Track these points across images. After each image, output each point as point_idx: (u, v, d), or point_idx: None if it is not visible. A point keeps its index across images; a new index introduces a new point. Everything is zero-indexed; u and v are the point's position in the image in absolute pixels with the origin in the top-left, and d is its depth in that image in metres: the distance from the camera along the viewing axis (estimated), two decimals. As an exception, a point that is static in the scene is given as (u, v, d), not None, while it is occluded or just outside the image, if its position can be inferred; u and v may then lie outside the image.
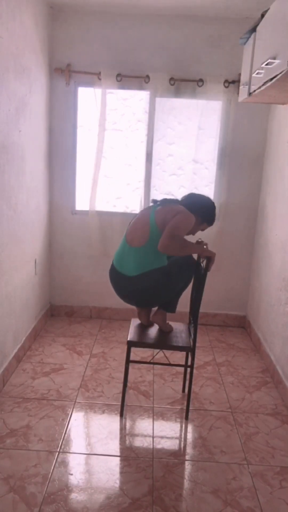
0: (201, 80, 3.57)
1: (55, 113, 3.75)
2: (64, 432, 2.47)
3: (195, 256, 2.84)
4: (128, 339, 2.60)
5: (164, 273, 2.51)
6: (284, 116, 3.29)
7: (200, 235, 3.44)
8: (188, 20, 3.56)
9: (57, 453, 2.29)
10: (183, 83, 3.62)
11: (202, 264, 2.65)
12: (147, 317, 2.78)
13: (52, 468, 2.19)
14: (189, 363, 2.68)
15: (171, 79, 3.57)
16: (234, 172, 3.82)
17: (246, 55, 2.84)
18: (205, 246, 2.69)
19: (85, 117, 3.77)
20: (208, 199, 2.73)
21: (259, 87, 2.43)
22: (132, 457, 2.30)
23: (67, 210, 3.95)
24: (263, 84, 2.35)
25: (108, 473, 2.18)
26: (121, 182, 3.85)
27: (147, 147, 3.77)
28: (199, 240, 2.75)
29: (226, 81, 3.56)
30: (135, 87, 3.64)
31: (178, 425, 2.63)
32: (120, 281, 2.61)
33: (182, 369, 3.10)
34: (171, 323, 2.79)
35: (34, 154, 3.33)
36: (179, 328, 2.77)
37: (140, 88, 3.64)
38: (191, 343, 2.60)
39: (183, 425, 2.63)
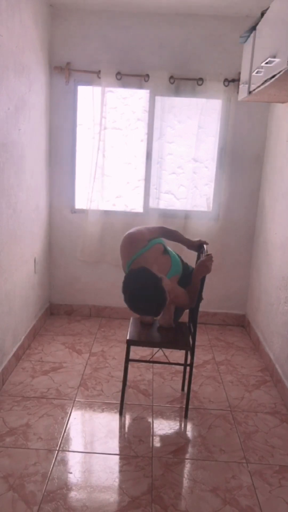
0: (200, 78, 3.56)
1: (54, 111, 3.74)
2: (63, 430, 2.47)
3: (194, 254, 2.84)
4: (128, 338, 2.60)
5: None
6: (284, 115, 3.28)
7: (199, 235, 3.45)
8: (188, 18, 3.55)
9: (56, 451, 2.30)
10: (183, 82, 3.61)
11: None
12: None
13: (52, 466, 2.19)
14: (188, 362, 2.68)
15: (171, 77, 3.57)
16: (233, 170, 3.81)
17: (246, 54, 2.83)
18: (205, 246, 2.70)
19: (84, 115, 3.76)
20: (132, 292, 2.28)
21: (259, 86, 2.43)
22: (131, 456, 2.30)
23: (67, 208, 3.94)
24: (263, 83, 2.35)
25: (107, 471, 2.19)
26: (121, 180, 3.84)
27: (147, 146, 3.77)
28: (201, 240, 2.74)
29: (226, 79, 3.56)
30: (135, 85, 3.63)
31: (178, 423, 2.63)
32: None
33: (181, 368, 3.10)
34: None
35: (33, 152, 3.32)
36: (178, 327, 2.77)
37: (140, 86, 3.63)
38: (191, 342, 2.61)
39: (183, 424, 2.63)
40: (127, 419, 2.65)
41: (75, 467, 2.21)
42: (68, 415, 2.62)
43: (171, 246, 2.70)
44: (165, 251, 2.56)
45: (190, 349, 2.59)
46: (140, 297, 2.25)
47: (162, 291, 2.21)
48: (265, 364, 3.37)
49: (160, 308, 2.31)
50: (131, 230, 2.52)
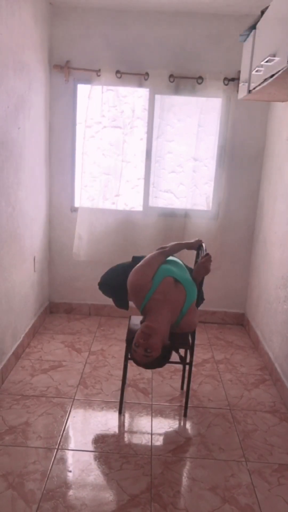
0: (200, 77, 3.56)
1: (54, 110, 3.74)
2: (62, 429, 2.47)
3: (193, 254, 2.84)
4: (127, 336, 2.60)
5: None
6: (284, 114, 3.28)
7: (199, 234, 3.44)
8: (188, 17, 3.55)
9: (55, 450, 2.30)
10: (183, 80, 3.61)
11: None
12: None
13: (51, 465, 2.19)
14: (187, 360, 2.69)
15: (171, 76, 3.56)
16: (233, 169, 3.81)
17: (246, 53, 2.83)
18: (203, 245, 2.69)
19: (84, 114, 3.75)
20: None
21: (259, 85, 2.43)
22: (130, 454, 2.31)
23: (66, 207, 3.94)
24: (262, 82, 2.34)
25: (106, 470, 2.19)
26: (120, 179, 3.83)
27: (146, 145, 3.76)
28: (199, 240, 2.74)
29: (225, 78, 3.55)
30: (135, 84, 3.62)
31: (177, 422, 2.63)
32: None
33: (180, 367, 3.10)
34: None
35: (33, 151, 3.32)
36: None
37: (140, 85, 3.63)
38: (190, 341, 2.61)
39: (182, 423, 2.63)
40: (127, 418, 2.65)
41: (74, 466, 2.21)
42: (68, 413, 2.62)
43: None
44: (176, 280, 2.40)
45: (190, 347, 2.59)
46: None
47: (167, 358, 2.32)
48: (264, 363, 3.37)
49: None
50: (131, 277, 2.40)
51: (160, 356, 2.23)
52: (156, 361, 2.26)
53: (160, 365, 2.32)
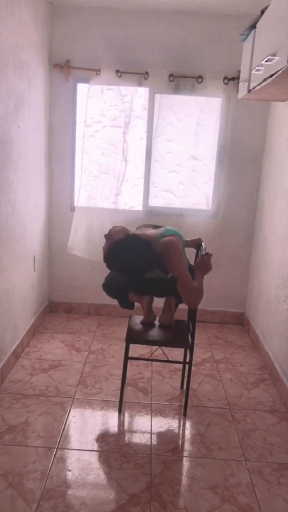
0: (200, 76, 3.56)
1: (54, 109, 3.74)
2: (62, 428, 2.47)
3: (192, 254, 2.84)
4: (127, 335, 2.60)
5: None
6: (284, 113, 3.28)
7: (198, 233, 3.45)
8: (188, 16, 3.55)
9: (55, 449, 2.30)
10: (183, 80, 3.61)
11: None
12: (149, 307, 2.73)
13: (51, 464, 2.19)
14: (187, 360, 2.69)
15: (171, 75, 3.56)
16: (233, 169, 3.81)
17: (246, 52, 2.83)
18: (203, 244, 2.69)
19: (84, 113, 3.75)
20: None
21: (259, 84, 2.43)
22: (130, 454, 2.31)
23: (66, 206, 3.94)
24: (262, 81, 2.34)
25: (106, 469, 2.19)
26: (120, 178, 3.82)
27: (146, 144, 3.76)
28: (198, 239, 2.74)
29: (225, 77, 3.55)
30: (135, 83, 3.62)
31: (176, 421, 2.63)
32: None
33: (180, 366, 3.10)
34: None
35: (33, 150, 3.32)
36: (177, 325, 2.77)
37: (140, 84, 3.62)
38: (190, 340, 2.61)
39: (181, 422, 2.63)
40: (126, 417, 2.65)
41: (74, 465, 2.21)
42: (67, 413, 2.62)
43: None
44: (155, 226, 2.62)
45: (189, 347, 2.59)
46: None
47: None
48: (264, 362, 3.37)
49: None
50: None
51: (124, 244, 2.33)
52: (118, 249, 2.34)
53: (123, 258, 2.38)
